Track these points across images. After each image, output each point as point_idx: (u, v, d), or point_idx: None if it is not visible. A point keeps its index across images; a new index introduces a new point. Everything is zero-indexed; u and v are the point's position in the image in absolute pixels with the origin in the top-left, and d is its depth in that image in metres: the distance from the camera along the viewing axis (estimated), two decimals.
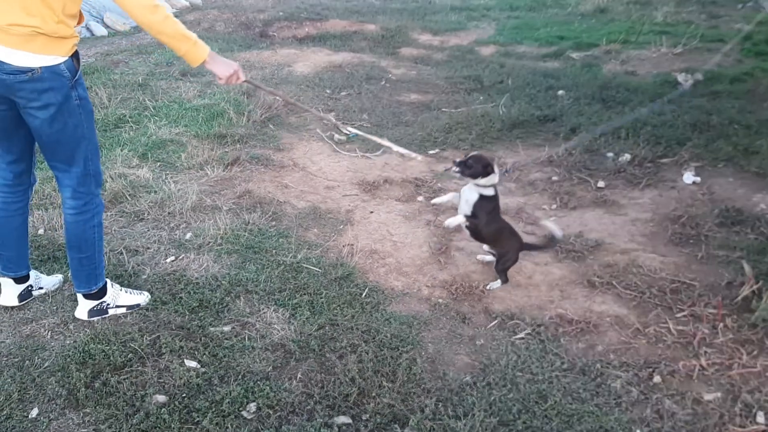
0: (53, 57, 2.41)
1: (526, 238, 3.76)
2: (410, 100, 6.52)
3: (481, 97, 6.39)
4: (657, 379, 2.65)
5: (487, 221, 3.24)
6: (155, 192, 4.12)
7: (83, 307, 2.93)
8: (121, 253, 3.44)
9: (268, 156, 4.90)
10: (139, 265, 3.36)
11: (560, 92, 6.32)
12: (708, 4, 11.43)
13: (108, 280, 2.98)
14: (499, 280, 3.36)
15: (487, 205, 3.21)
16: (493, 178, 3.17)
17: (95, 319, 2.93)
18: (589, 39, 8.53)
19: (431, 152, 5.19)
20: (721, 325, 2.96)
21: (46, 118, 2.49)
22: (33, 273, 3.06)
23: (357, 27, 9.43)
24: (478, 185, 3.19)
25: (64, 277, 3.21)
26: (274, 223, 3.91)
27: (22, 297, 3.01)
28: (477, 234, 3.34)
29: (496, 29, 9.65)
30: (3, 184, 2.80)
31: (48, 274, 3.22)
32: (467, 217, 3.24)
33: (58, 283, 3.16)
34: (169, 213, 3.89)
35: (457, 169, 3.17)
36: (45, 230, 3.70)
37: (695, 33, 8.26)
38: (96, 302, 2.93)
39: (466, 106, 6.14)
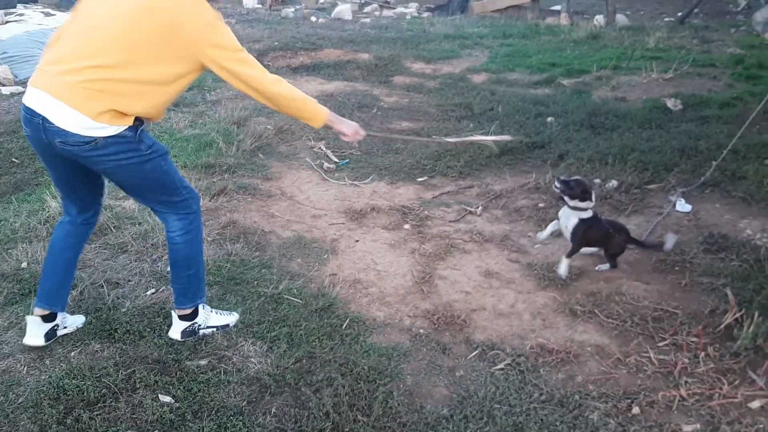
0: (116, 128, 2.46)
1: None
2: (401, 127, 6.55)
3: (472, 125, 6.41)
4: (636, 410, 2.61)
5: (589, 238, 3.59)
6: (139, 223, 4.12)
7: (177, 328, 3.00)
8: (102, 286, 3.43)
9: (255, 185, 4.91)
10: (119, 298, 3.35)
11: (549, 119, 6.34)
12: (701, 29, 11.56)
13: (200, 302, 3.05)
14: (608, 264, 3.70)
15: (584, 227, 3.54)
16: (590, 204, 3.53)
17: (187, 339, 3.00)
18: (580, 66, 8.58)
19: (420, 180, 5.20)
20: (703, 354, 2.93)
21: (120, 173, 2.58)
22: (60, 314, 3.03)
23: (351, 56, 9.51)
24: (576, 208, 3.54)
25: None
26: (257, 253, 3.90)
27: (48, 336, 2.96)
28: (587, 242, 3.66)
29: (489, 57, 9.72)
30: (68, 221, 2.89)
31: (28, 309, 3.21)
32: (571, 254, 3.61)
33: (81, 323, 3.13)
34: (152, 245, 3.89)
35: (559, 186, 3.53)
36: (28, 263, 3.69)
37: (686, 58, 8.32)
38: (189, 323, 3.00)
39: (456, 134, 6.15)
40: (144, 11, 2.41)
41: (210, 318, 3.05)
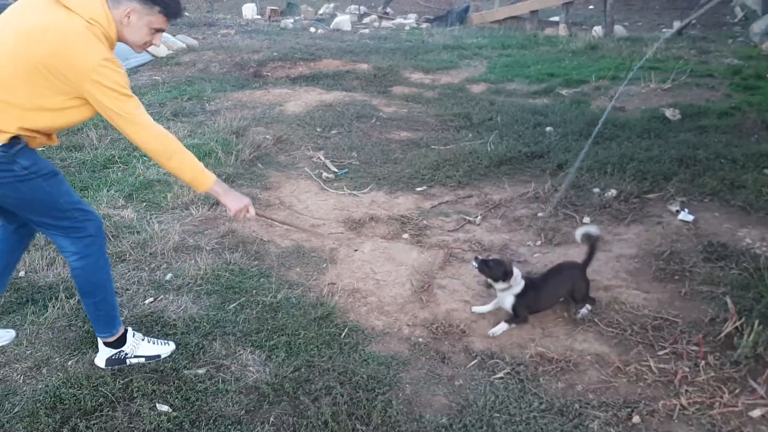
0: None
1: None
2: (400, 137, 6.56)
3: (470, 135, 6.42)
4: (636, 419, 2.60)
5: (533, 304, 3.30)
6: (138, 232, 4.12)
7: (102, 355, 2.89)
8: None
9: (254, 195, 4.90)
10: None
11: (548, 129, 6.36)
12: (698, 39, 11.60)
13: (129, 329, 2.95)
14: (587, 305, 3.38)
15: (524, 299, 3.25)
16: (516, 279, 3.22)
17: (113, 367, 2.88)
18: (579, 76, 8.61)
19: (419, 189, 5.19)
20: (703, 362, 2.92)
21: None
22: None
23: (350, 66, 9.54)
24: (505, 289, 3.24)
25: (16, 332, 3.14)
26: (256, 262, 3.89)
27: None
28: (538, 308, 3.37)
29: (488, 67, 9.76)
30: (1, 225, 2.81)
31: (26, 317, 3.20)
32: (512, 319, 3.29)
33: (9, 339, 3.08)
34: (150, 253, 3.88)
35: (477, 266, 3.24)
36: (26, 272, 3.69)
37: (684, 68, 8.35)
38: (115, 351, 2.88)
39: (454, 144, 6.17)
40: (28, 40, 2.31)
41: (139, 347, 2.92)
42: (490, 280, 3.28)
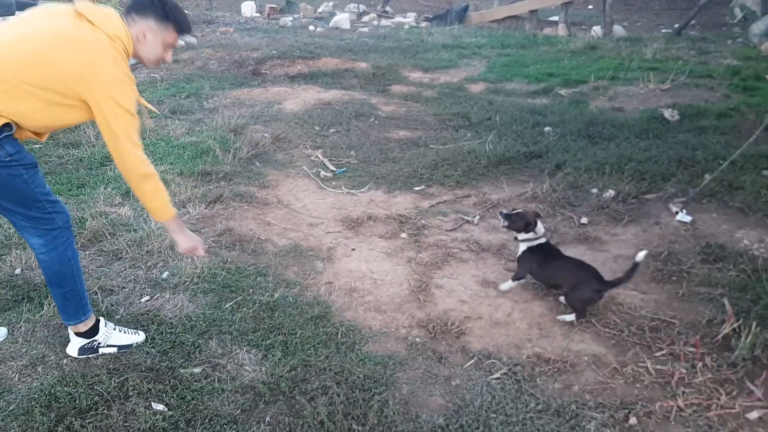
0: None
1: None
2: (398, 136, 6.55)
3: (469, 134, 6.41)
4: (633, 420, 2.59)
5: (538, 270, 3.50)
6: (135, 230, 4.10)
7: (74, 344, 2.94)
8: (96, 293, 3.40)
9: (252, 193, 4.89)
10: (113, 305, 3.33)
11: (547, 128, 6.35)
12: (698, 40, 11.60)
13: (102, 319, 2.99)
14: (573, 314, 3.34)
15: (532, 256, 3.49)
16: (538, 231, 3.49)
17: (82, 357, 2.93)
18: (577, 76, 8.60)
19: (417, 189, 5.18)
20: (700, 364, 2.91)
21: None
22: None
23: (348, 65, 9.53)
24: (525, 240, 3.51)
25: (7, 330, 3.13)
26: (253, 261, 3.88)
27: None
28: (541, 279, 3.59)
29: (487, 67, 9.75)
30: None
31: (21, 315, 3.19)
32: (516, 278, 3.57)
33: (1, 337, 3.08)
34: (147, 252, 3.87)
35: (502, 219, 3.56)
36: (22, 270, 3.67)
37: (683, 69, 8.35)
38: (87, 340, 2.93)
39: (453, 143, 6.16)
40: (59, 44, 2.40)
41: (111, 336, 2.97)
42: (514, 233, 3.56)
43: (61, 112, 2.48)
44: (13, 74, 2.35)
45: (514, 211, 3.56)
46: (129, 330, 3.06)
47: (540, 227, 3.50)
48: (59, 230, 2.70)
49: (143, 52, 2.63)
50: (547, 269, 3.48)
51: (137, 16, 2.58)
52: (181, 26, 2.65)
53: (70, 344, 2.95)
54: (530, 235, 3.49)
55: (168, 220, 2.75)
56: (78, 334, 2.91)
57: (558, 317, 3.35)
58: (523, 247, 3.53)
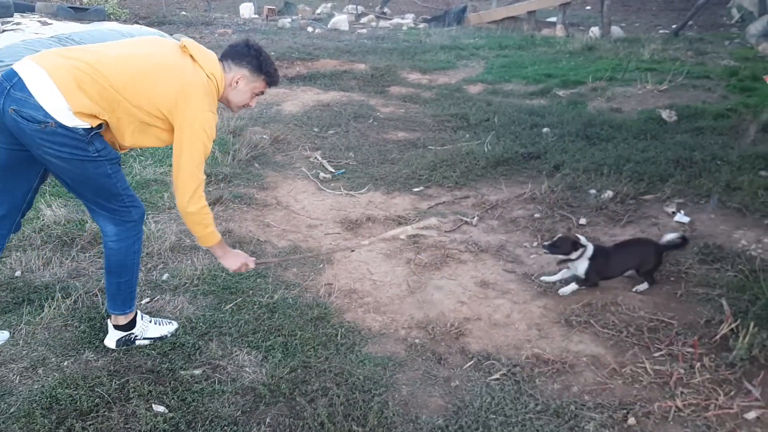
0: (76, 121, 2.49)
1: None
2: (397, 138, 6.56)
3: (467, 135, 6.43)
4: (632, 420, 2.60)
5: (605, 270, 3.64)
6: None
7: (112, 337, 3.01)
8: (96, 295, 3.41)
9: (251, 195, 4.91)
10: None
11: (545, 129, 6.37)
12: (695, 40, 11.63)
13: (139, 312, 3.06)
14: (645, 283, 3.62)
15: (595, 263, 3.58)
16: (583, 241, 3.60)
17: (121, 348, 3.02)
18: (575, 77, 8.62)
19: (416, 190, 5.20)
20: (699, 364, 2.92)
21: (59, 165, 2.56)
22: None
23: (347, 66, 9.55)
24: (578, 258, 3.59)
25: (12, 332, 3.14)
26: None
27: None
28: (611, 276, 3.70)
29: (485, 68, 9.77)
30: None
31: (21, 317, 3.19)
32: (583, 282, 3.64)
33: (2, 340, 3.09)
34: (147, 253, 3.88)
35: (547, 251, 3.65)
36: (22, 272, 3.68)
37: (681, 69, 8.37)
38: (125, 333, 3.00)
39: (451, 144, 6.17)
40: (162, 69, 2.61)
41: (148, 329, 3.06)
42: (563, 257, 3.61)
43: (147, 130, 2.67)
44: (117, 87, 2.53)
45: (554, 239, 3.64)
46: (163, 321, 3.15)
47: (582, 238, 3.61)
48: (133, 223, 2.83)
49: (232, 96, 2.83)
50: (612, 263, 3.61)
51: (233, 64, 2.77)
52: (272, 79, 2.86)
53: (107, 336, 3.03)
54: (580, 250, 3.56)
55: (211, 247, 2.89)
56: (117, 327, 2.99)
57: (633, 289, 3.61)
58: (583, 262, 3.57)
